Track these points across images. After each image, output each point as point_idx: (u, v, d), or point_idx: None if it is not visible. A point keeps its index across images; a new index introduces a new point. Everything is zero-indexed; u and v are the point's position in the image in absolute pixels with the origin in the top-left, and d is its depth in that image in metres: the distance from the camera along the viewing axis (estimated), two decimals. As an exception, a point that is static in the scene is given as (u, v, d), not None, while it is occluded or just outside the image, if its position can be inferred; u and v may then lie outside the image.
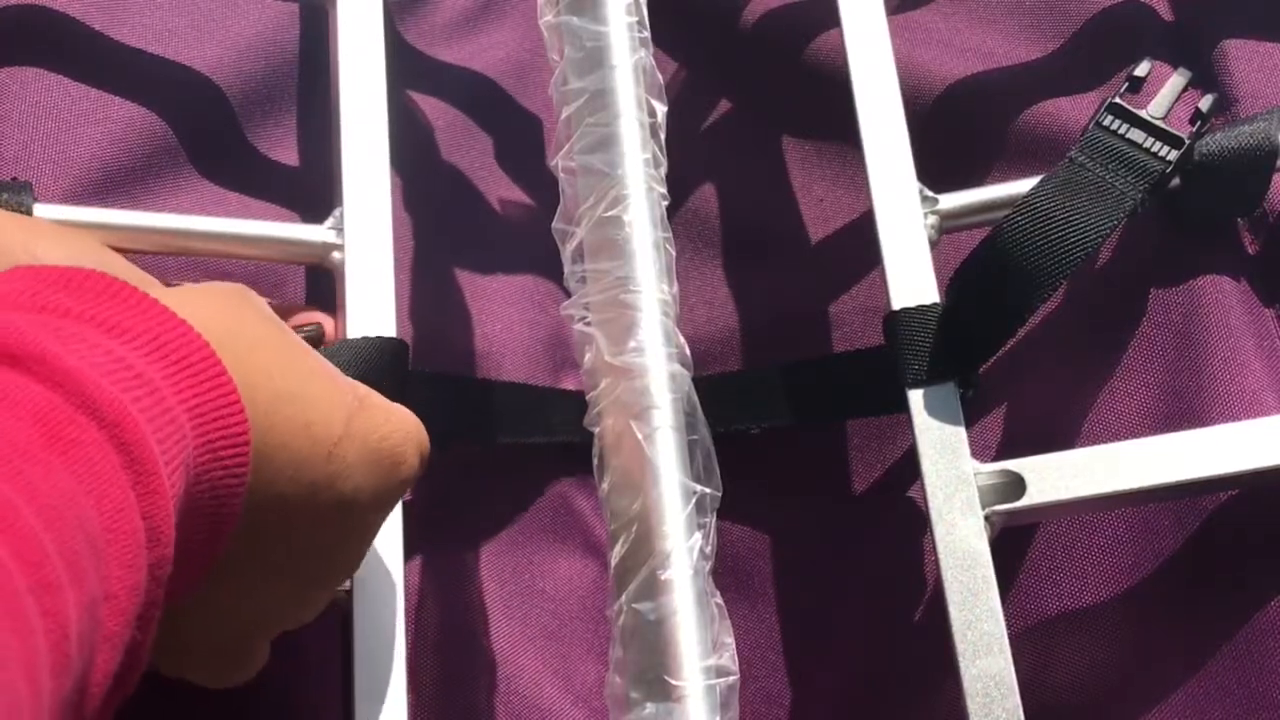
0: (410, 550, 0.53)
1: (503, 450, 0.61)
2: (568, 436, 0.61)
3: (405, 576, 0.51)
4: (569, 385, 0.64)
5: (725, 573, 0.60)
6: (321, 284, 0.59)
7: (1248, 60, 0.62)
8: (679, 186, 0.65)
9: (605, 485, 0.50)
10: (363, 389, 0.45)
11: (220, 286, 0.43)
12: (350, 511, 0.42)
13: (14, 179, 0.55)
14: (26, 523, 0.29)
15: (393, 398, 0.47)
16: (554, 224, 0.54)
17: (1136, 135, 0.56)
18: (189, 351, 0.36)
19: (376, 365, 0.54)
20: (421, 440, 0.45)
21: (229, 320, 0.40)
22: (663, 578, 0.47)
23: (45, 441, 0.31)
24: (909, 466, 0.56)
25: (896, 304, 0.56)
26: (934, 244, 0.57)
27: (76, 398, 0.32)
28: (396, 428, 0.44)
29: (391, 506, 0.45)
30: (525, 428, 0.61)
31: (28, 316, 0.34)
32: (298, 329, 0.54)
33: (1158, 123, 0.56)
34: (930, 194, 0.58)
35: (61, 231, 0.47)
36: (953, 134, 0.65)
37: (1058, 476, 0.52)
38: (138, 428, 0.33)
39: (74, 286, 0.36)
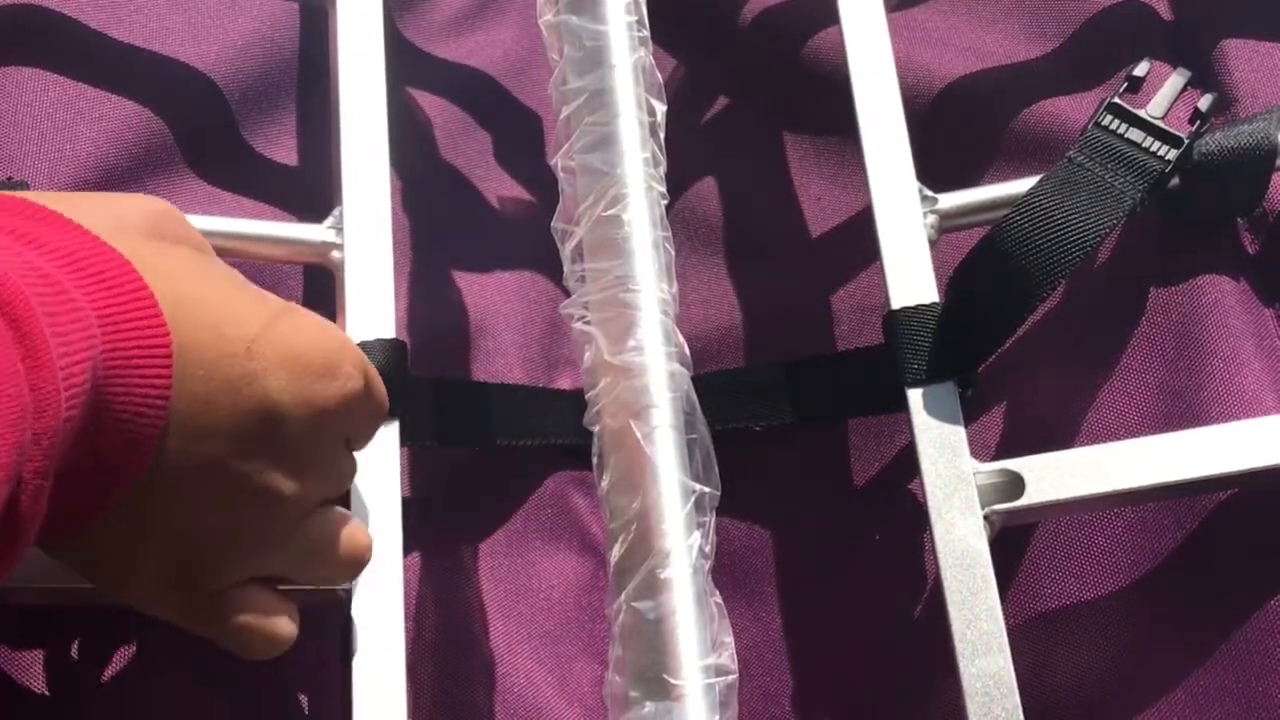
0: (408, 550, 0.53)
1: (500, 450, 0.60)
2: (566, 438, 0.61)
3: (404, 576, 0.51)
4: (565, 383, 0.64)
5: (724, 571, 0.60)
6: (321, 283, 0.59)
7: (1248, 60, 0.62)
8: (678, 185, 0.66)
9: (605, 484, 0.50)
10: (295, 306, 0.45)
11: (137, 204, 0.43)
12: (274, 414, 0.41)
13: (10, 178, 0.55)
14: None
15: (392, 398, 0.47)
16: (553, 223, 0.54)
17: (1136, 135, 0.56)
18: (105, 266, 0.37)
19: (376, 366, 0.54)
20: (361, 359, 0.45)
21: (141, 234, 0.41)
22: (662, 576, 0.47)
23: None
24: (908, 465, 0.56)
25: (896, 303, 0.56)
26: (933, 243, 0.57)
27: None
28: (326, 337, 0.44)
29: (328, 422, 0.43)
30: (523, 430, 0.61)
31: None
32: None
33: (1157, 122, 0.56)
34: (930, 194, 0.58)
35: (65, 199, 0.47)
36: (953, 134, 0.65)
37: (1057, 476, 0.52)
38: (27, 305, 0.34)
39: (3, 209, 0.37)
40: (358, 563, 0.47)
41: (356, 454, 0.48)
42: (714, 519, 0.49)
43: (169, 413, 0.39)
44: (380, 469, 0.52)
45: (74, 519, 0.39)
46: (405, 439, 0.54)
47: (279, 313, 0.43)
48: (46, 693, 0.50)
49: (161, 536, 0.42)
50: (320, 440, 0.44)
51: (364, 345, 0.54)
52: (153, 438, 0.38)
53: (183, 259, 0.42)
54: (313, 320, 0.44)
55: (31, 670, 0.50)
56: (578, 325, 0.52)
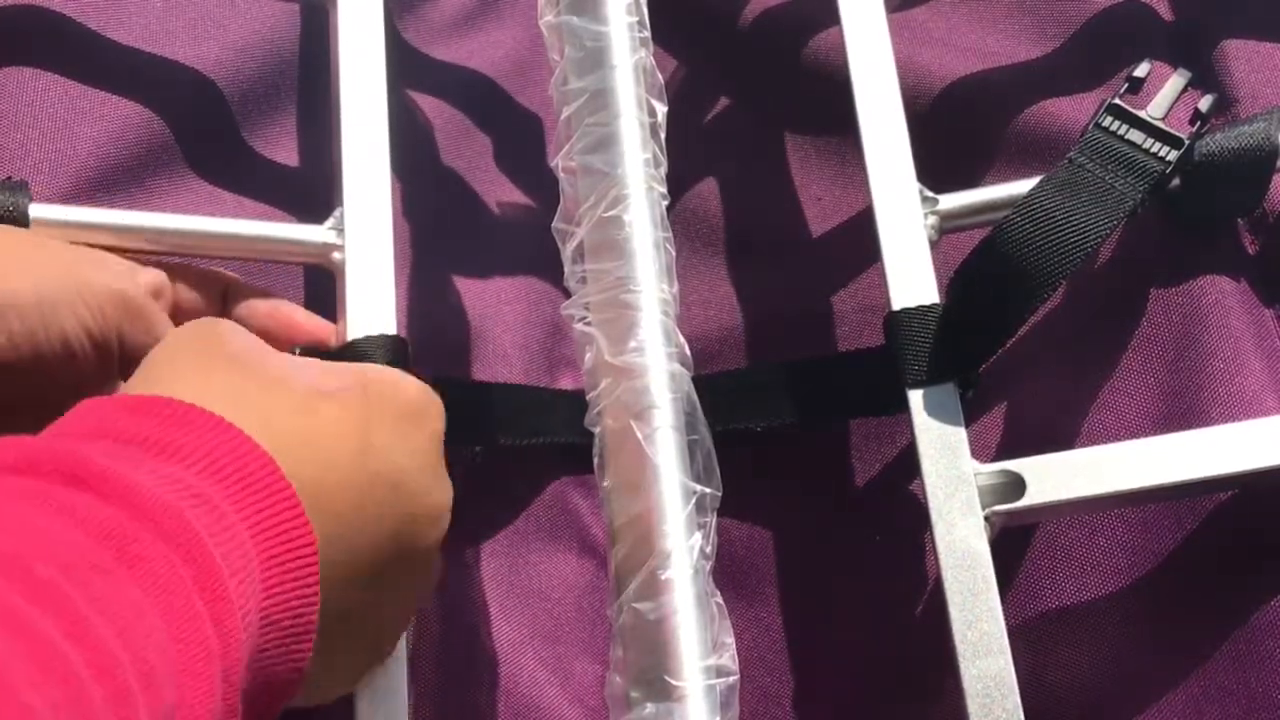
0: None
1: (501, 450, 0.60)
2: (567, 437, 0.61)
3: (405, 576, 0.51)
4: (566, 384, 0.64)
5: (725, 572, 0.60)
6: (321, 284, 0.59)
7: (1248, 60, 0.62)
8: (678, 186, 0.66)
9: (606, 485, 0.49)
10: (362, 370, 0.46)
11: (195, 338, 0.43)
12: (399, 478, 0.43)
13: (9, 178, 0.55)
14: (99, 635, 0.30)
15: None
16: (554, 224, 0.54)
17: (1136, 136, 0.56)
18: (243, 464, 0.37)
19: (378, 364, 0.54)
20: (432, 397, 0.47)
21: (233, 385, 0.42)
22: (663, 577, 0.47)
23: (114, 556, 0.32)
24: (909, 466, 0.56)
25: (897, 304, 0.56)
26: (934, 244, 0.57)
27: (139, 514, 0.33)
28: (402, 377, 0.46)
29: (433, 457, 0.46)
30: (525, 429, 0.61)
31: (90, 443, 0.35)
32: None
33: (1157, 123, 0.56)
34: (930, 194, 0.58)
35: (25, 256, 0.47)
36: (953, 134, 0.65)
37: (1058, 476, 0.52)
38: (200, 541, 0.34)
39: (138, 411, 0.37)
40: None
41: None
42: (715, 520, 0.49)
43: (322, 560, 0.39)
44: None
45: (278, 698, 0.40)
46: (406, 439, 0.54)
47: (354, 377, 0.44)
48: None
49: (353, 646, 0.43)
50: (438, 475, 0.45)
51: (365, 342, 0.54)
52: (312, 624, 0.39)
53: (271, 396, 0.42)
54: (395, 378, 0.46)
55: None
56: (579, 326, 0.52)
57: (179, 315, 0.55)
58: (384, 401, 0.44)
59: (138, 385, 0.41)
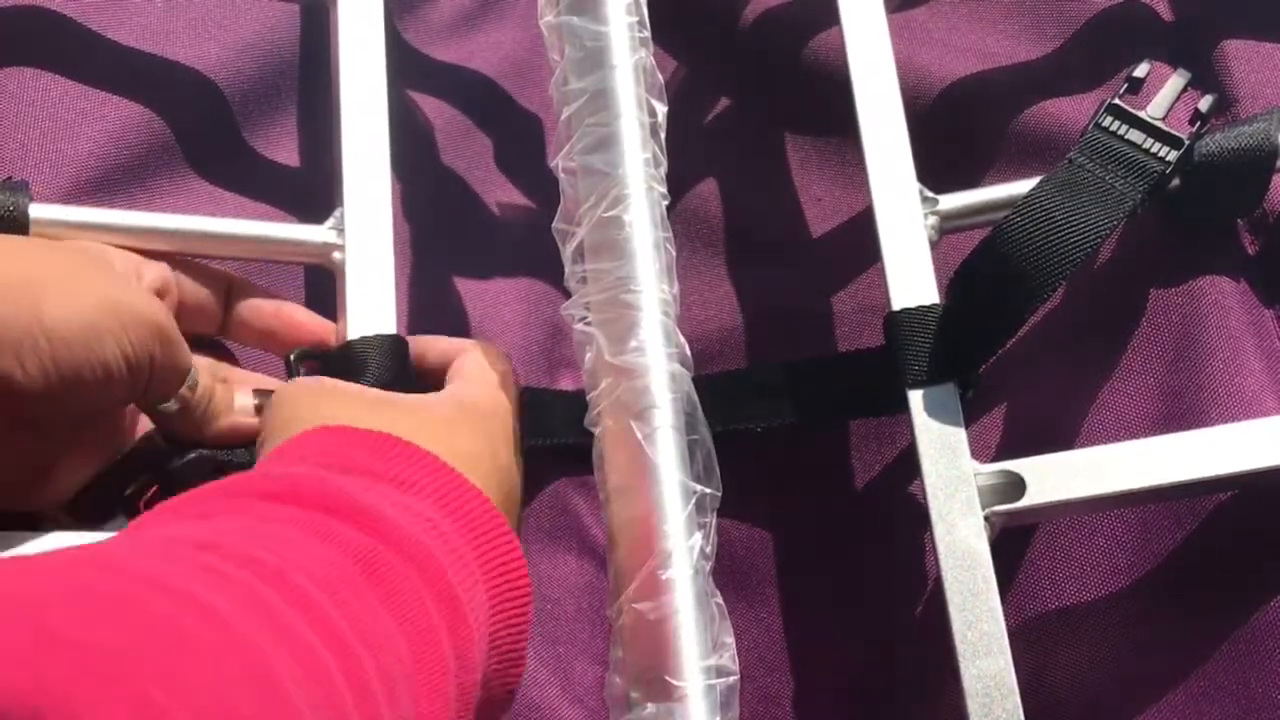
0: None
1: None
2: (567, 437, 0.61)
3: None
4: (566, 384, 0.64)
5: (725, 572, 0.60)
6: (322, 284, 0.59)
7: (1248, 60, 0.62)
8: (678, 186, 0.66)
9: (606, 485, 0.50)
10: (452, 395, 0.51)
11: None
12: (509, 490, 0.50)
13: (9, 178, 0.55)
14: (351, 645, 0.32)
15: None
16: (554, 224, 0.54)
17: (1136, 136, 0.56)
18: (465, 501, 0.42)
19: (378, 363, 0.54)
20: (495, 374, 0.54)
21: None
22: (663, 577, 0.47)
23: (365, 578, 0.35)
24: (909, 466, 0.56)
25: (897, 304, 0.56)
26: (934, 244, 0.57)
27: (389, 542, 0.36)
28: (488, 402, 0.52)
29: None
30: (524, 430, 0.61)
31: (342, 476, 0.39)
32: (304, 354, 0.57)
33: (1157, 123, 0.56)
34: (930, 194, 0.58)
35: (63, 276, 0.47)
36: (953, 134, 0.65)
37: (1058, 477, 0.52)
38: (441, 568, 0.37)
39: (366, 446, 0.42)
40: None
41: None
42: (715, 520, 0.49)
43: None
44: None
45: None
46: (406, 439, 0.54)
47: (452, 402, 0.50)
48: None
49: None
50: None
51: (365, 341, 0.54)
52: (524, 648, 0.42)
53: (365, 406, 0.47)
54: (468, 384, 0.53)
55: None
56: (579, 326, 0.52)
57: (184, 311, 0.55)
58: (481, 418, 0.48)
59: (283, 421, 0.46)
